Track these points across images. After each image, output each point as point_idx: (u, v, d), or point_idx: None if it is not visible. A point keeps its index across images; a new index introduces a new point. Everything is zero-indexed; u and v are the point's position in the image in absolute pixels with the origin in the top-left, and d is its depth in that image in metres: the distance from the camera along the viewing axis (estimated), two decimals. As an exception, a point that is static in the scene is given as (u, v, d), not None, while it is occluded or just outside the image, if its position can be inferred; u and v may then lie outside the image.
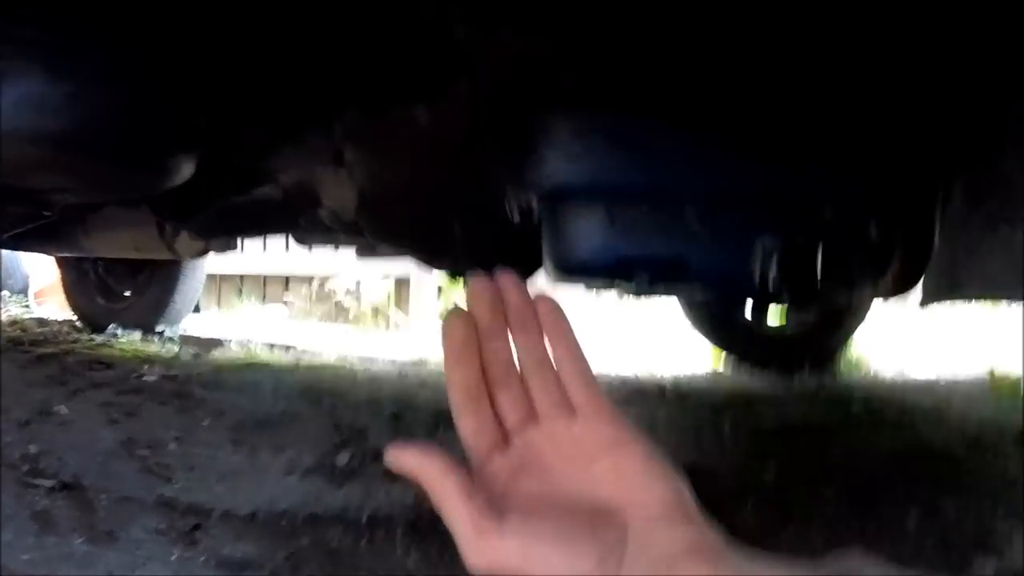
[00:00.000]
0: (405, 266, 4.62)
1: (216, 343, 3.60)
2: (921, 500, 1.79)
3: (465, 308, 0.56)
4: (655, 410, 2.46)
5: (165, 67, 1.79)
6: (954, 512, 1.73)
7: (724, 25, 1.27)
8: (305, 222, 2.28)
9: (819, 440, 2.16)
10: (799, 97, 1.39)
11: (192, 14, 1.65)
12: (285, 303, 5.45)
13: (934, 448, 2.10)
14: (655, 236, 1.40)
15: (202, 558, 1.59)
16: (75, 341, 3.38)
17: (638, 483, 0.52)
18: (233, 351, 3.45)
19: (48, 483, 1.82)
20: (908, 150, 1.44)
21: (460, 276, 4.28)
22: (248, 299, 5.60)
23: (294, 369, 2.98)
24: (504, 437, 0.56)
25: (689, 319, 3.39)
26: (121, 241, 2.94)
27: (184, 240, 2.81)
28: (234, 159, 2.20)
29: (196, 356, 3.18)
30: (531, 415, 0.56)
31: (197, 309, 4.59)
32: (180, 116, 1.91)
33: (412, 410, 2.34)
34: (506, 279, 0.57)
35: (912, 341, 3.88)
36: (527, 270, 2.00)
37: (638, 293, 1.43)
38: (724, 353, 3.42)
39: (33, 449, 1.97)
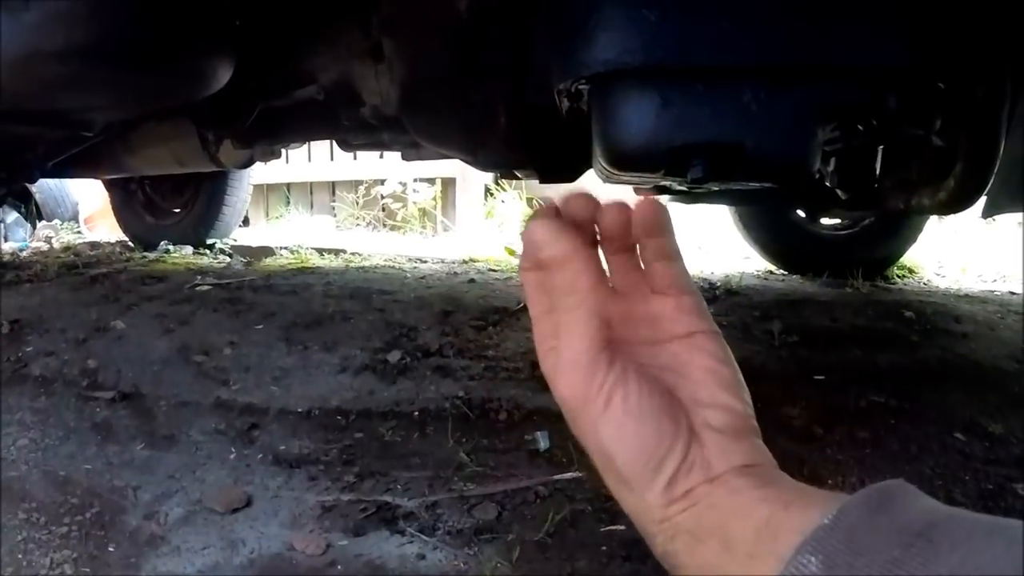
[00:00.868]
0: (451, 167, 4.58)
1: (267, 251, 3.62)
2: (967, 413, 1.76)
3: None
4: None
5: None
6: (1000, 428, 1.70)
7: None
8: (348, 122, 2.24)
9: (869, 346, 2.12)
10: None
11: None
12: (333, 207, 5.46)
13: (983, 362, 2.05)
14: (711, 119, 1.33)
15: (259, 455, 1.61)
16: (127, 260, 3.42)
17: (705, 384, 0.50)
18: (283, 258, 3.46)
19: (108, 395, 1.86)
20: (980, 40, 1.34)
21: (505, 174, 4.24)
22: (295, 208, 5.62)
23: (344, 271, 2.98)
24: None
25: (739, 227, 3.32)
26: (164, 156, 2.93)
27: (228, 149, 2.79)
28: (272, 60, 2.17)
29: (247, 264, 3.21)
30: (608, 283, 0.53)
31: (246, 221, 4.63)
32: (213, 17, 1.87)
33: (461, 308, 2.33)
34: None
35: (971, 253, 3.78)
36: (575, 168, 1.95)
37: (692, 189, 1.36)
38: (775, 259, 3.36)
39: (92, 364, 2.00)
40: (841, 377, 1.91)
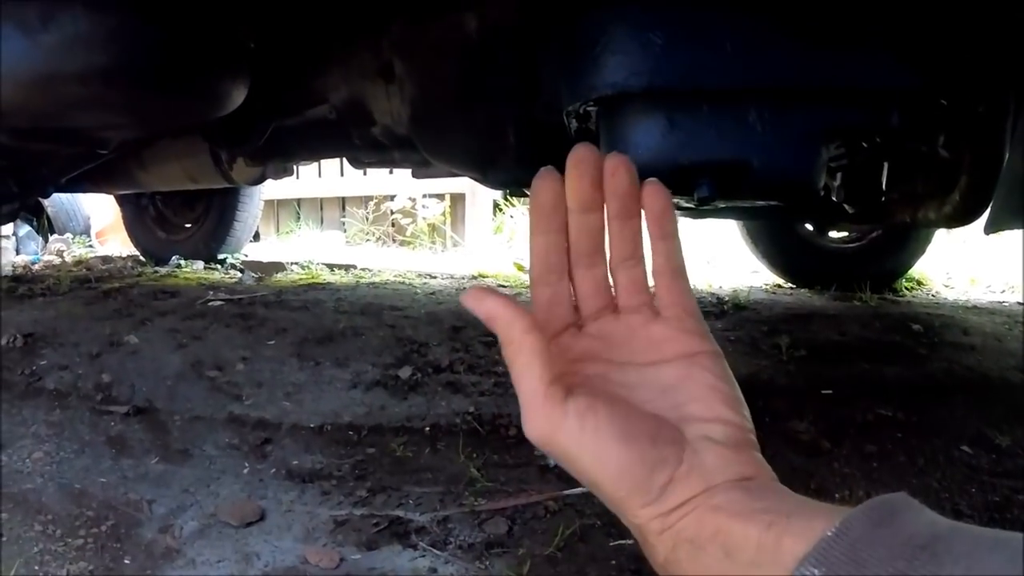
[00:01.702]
0: (460, 183, 4.61)
1: (277, 267, 3.65)
2: (974, 426, 1.77)
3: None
4: (713, 322, 2.44)
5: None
6: (1007, 440, 1.71)
7: None
8: (359, 140, 2.27)
9: (877, 359, 2.13)
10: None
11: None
12: (342, 222, 5.49)
13: (990, 374, 2.06)
14: (717, 140, 1.34)
15: (273, 470, 1.63)
16: (139, 275, 3.45)
17: (706, 400, 0.51)
18: (294, 273, 3.49)
19: (122, 409, 1.88)
20: (982, 57, 1.35)
21: (515, 192, 4.26)
22: (306, 223, 5.65)
23: (354, 287, 3.00)
24: (577, 318, 0.54)
25: (748, 242, 3.34)
26: (177, 173, 2.97)
27: (240, 167, 2.82)
28: (285, 81, 2.20)
29: (258, 280, 3.23)
30: (611, 305, 0.54)
31: (256, 236, 4.66)
32: (228, 41, 1.90)
33: (471, 324, 2.35)
34: (618, 159, 0.53)
35: (980, 264, 3.78)
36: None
37: (700, 206, 1.38)
38: (783, 273, 3.37)
39: (105, 378, 2.02)
40: (849, 391, 1.92)
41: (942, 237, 3.30)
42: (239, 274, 3.53)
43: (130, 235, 4.20)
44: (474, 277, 3.42)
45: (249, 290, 2.86)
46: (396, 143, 2.20)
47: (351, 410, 1.86)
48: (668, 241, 0.54)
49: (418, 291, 2.93)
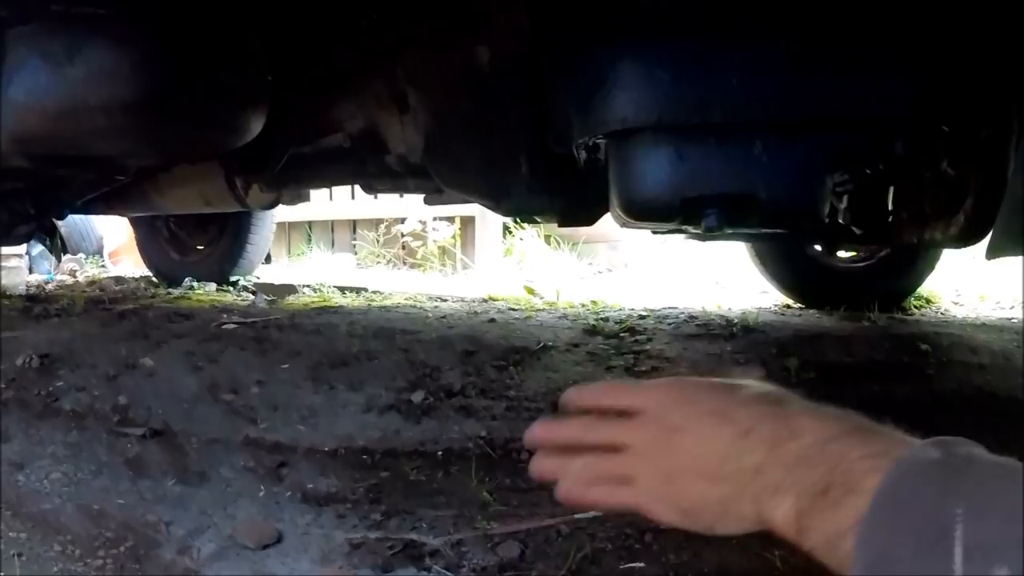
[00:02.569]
0: (471, 207, 4.65)
1: (289, 289, 3.68)
2: (984, 444, 1.78)
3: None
4: (723, 344, 2.47)
5: (229, 25, 1.82)
6: (1016, 457, 1.72)
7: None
8: (373, 168, 2.31)
9: (886, 380, 2.15)
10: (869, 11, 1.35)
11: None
12: (353, 244, 5.53)
13: (999, 392, 2.07)
14: (724, 172, 1.37)
15: (288, 493, 1.65)
16: (152, 296, 3.49)
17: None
18: (306, 296, 3.52)
19: (139, 431, 1.91)
20: (984, 83, 1.38)
21: (527, 219, 4.29)
22: (317, 246, 5.69)
23: (366, 310, 3.03)
24: None
25: (756, 262, 3.36)
26: (193, 197, 3.01)
27: (255, 192, 2.87)
28: (301, 111, 2.24)
29: (271, 302, 3.26)
30: None
31: (268, 259, 4.69)
32: (248, 73, 1.94)
33: (483, 347, 2.37)
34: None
35: (989, 281, 3.80)
36: (594, 213, 2.00)
37: (707, 233, 1.41)
38: (792, 293, 3.39)
39: (122, 400, 2.05)
40: (859, 410, 1.93)
41: (951, 255, 3.31)
42: (252, 296, 3.57)
43: (143, 256, 4.24)
44: (484, 300, 3.45)
45: (262, 313, 2.89)
46: (410, 171, 2.24)
47: (365, 434, 1.88)
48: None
49: (429, 314, 2.95)
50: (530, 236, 5.16)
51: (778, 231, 1.69)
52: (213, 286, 3.80)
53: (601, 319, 2.83)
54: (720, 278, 4.17)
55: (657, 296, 3.54)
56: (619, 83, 1.39)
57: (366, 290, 3.71)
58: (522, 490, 1.65)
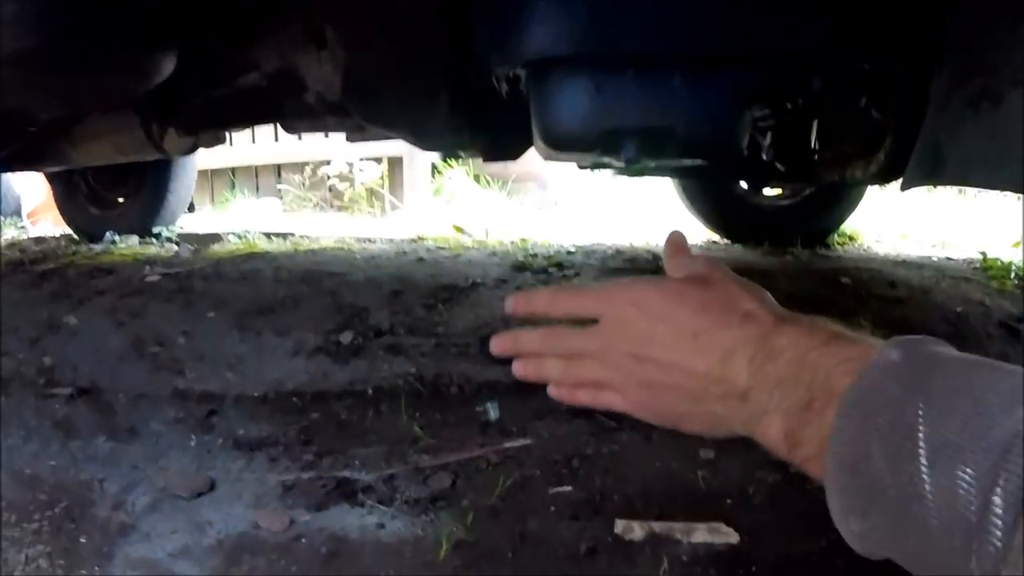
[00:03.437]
0: (398, 147, 4.61)
1: (214, 238, 3.63)
2: None
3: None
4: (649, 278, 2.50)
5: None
6: None
7: None
8: (292, 108, 2.26)
9: (806, 312, 2.20)
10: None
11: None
12: (279, 189, 5.46)
13: (916, 326, 2.14)
14: (643, 104, 1.39)
15: (220, 441, 1.67)
16: (74, 254, 3.42)
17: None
18: (231, 244, 3.48)
19: (66, 391, 1.90)
20: (903, 21, 1.40)
21: (453, 155, 4.25)
22: (241, 193, 5.61)
23: (293, 255, 3.02)
24: None
25: (683, 198, 3.40)
26: (108, 147, 2.93)
27: (172, 137, 2.79)
28: (214, 50, 2.18)
29: (195, 252, 3.22)
30: None
31: (191, 208, 4.61)
32: (154, 15, 1.89)
33: (411, 287, 2.38)
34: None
35: (910, 221, 3.89)
36: (517, 147, 2.00)
37: (628, 166, 1.43)
38: (719, 230, 3.44)
39: (47, 361, 2.03)
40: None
41: (875, 193, 3.40)
42: (175, 247, 3.51)
43: (62, 213, 4.13)
44: (414, 240, 3.45)
45: (186, 263, 2.85)
46: (330, 109, 2.20)
47: (294, 378, 1.89)
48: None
49: (357, 256, 2.95)
50: (459, 176, 5.14)
51: (701, 166, 1.71)
52: (136, 239, 3.73)
53: (530, 256, 2.85)
54: (648, 214, 4.21)
55: (585, 233, 3.57)
56: (536, 12, 1.39)
57: (293, 235, 3.67)
58: (452, 424, 1.69)
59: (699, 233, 3.56)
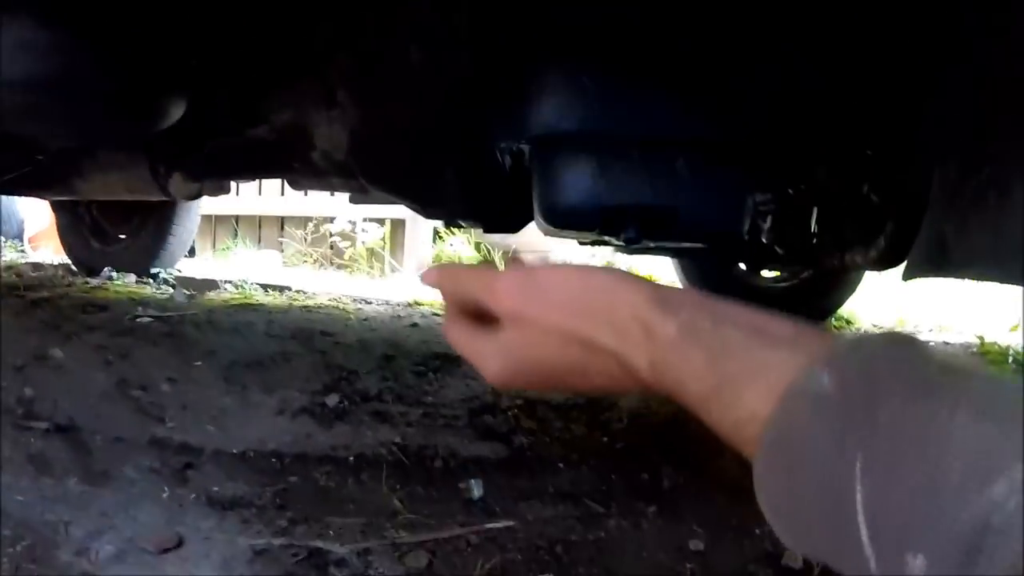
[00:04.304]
0: (401, 209, 4.62)
1: (211, 284, 3.61)
2: None
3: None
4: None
5: (154, 9, 1.78)
6: None
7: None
8: (298, 164, 2.27)
9: None
10: (788, 42, 1.37)
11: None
12: (280, 242, 5.46)
13: None
14: (645, 186, 1.39)
15: (193, 495, 1.62)
16: (69, 285, 3.40)
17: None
18: (227, 292, 3.47)
19: (43, 425, 1.85)
20: (905, 112, 1.41)
21: (454, 224, 4.26)
22: (243, 242, 5.61)
23: (287, 310, 3.00)
24: None
25: (681, 276, 3.41)
26: (115, 183, 2.93)
27: (177, 181, 2.80)
28: (227, 100, 2.20)
29: (190, 297, 3.20)
30: None
31: (192, 252, 4.60)
32: (169, 58, 1.90)
33: (403, 352, 2.36)
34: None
35: (909, 307, 3.90)
36: (518, 221, 2.00)
37: (628, 246, 1.43)
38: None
39: (28, 393, 1.99)
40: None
41: (874, 278, 3.40)
42: (171, 290, 3.49)
43: (63, 243, 4.12)
44: (410, 304, 3.43)
45: (180, 308, 2.83)
46: (335, 169, 2.21)
47: (276, 437, 1.86)
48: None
49: (352, 317, 2.93)
50: (460, 242, 5.15)
51: (701, 248, 1.71)
52: (133, 278, 3.71)
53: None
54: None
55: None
56: (543, 88, 1.40)
57: (290, 289, 3.66)
58: (434, 499, 1.65)
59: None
